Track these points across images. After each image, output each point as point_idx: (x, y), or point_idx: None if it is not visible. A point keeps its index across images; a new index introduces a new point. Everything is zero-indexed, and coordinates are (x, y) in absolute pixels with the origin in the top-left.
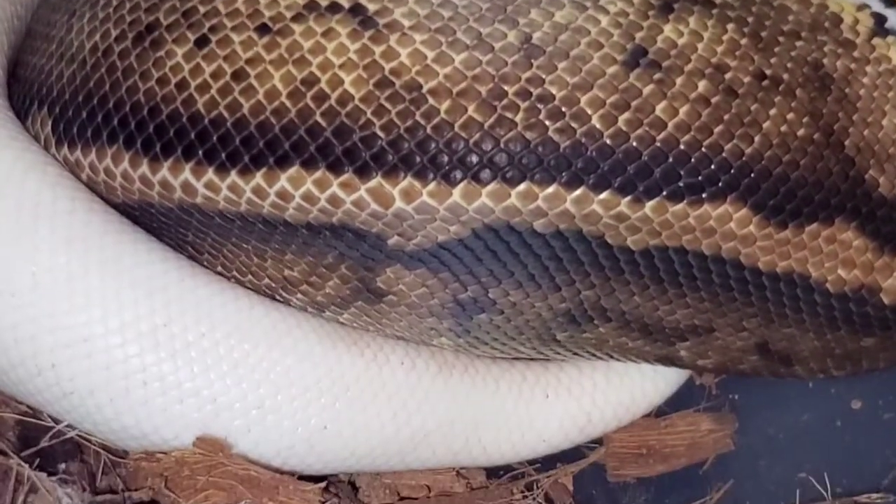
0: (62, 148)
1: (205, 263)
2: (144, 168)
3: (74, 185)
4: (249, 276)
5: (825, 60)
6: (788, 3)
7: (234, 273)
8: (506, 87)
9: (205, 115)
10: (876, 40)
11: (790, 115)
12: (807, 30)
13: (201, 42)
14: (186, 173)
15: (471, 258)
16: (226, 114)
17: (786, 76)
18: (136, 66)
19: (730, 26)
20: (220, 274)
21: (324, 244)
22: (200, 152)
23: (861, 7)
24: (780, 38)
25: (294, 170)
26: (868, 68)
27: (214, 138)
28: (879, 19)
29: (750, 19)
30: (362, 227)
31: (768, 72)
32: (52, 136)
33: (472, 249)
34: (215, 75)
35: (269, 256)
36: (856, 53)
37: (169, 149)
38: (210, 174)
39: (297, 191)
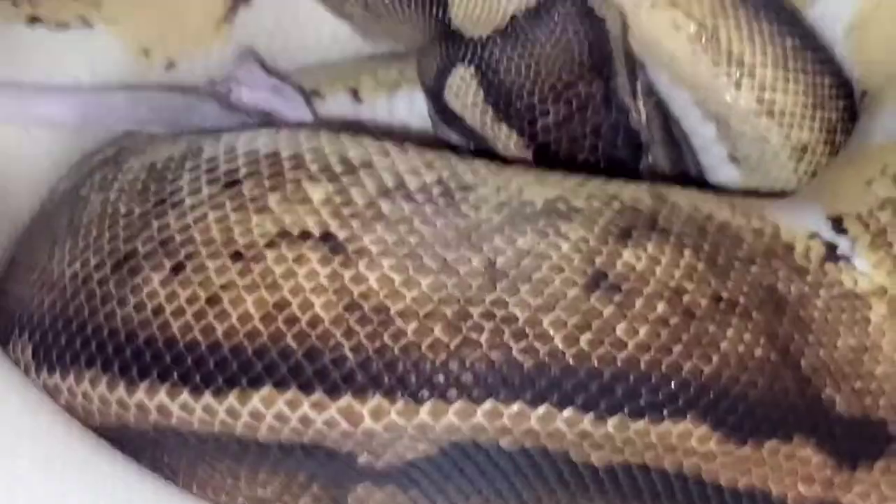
0: (41, 373)
1: (180, 484)
2: (121, 391)
3: (54, 409)
4: (224, 497)
5: (779, 285)
6: (742, 234)
7: (209, 493)
8: (471, 310)
9: (180, 338)
10: (828, 265)
11: (747, 336)
12: (761, 256)
13: (177, 268)
14: (162, 395)
15: (439, 475)
16: (200, 337)
17: (742, 299)
18: (115, 293)
19: (686, 252)
20: (194, 495)
21: (295, 463)
22: (175, 374)
23: (812, 235)
24: (736, 264)
25: (266, 390)
26: (822, 291)
27: (189, 361)
28: (830, 247)
29: (706, 246)
30: (333, 446)
31: (725, 295)
32: (32, 362)
33: (440, 467)
34: (190, 300)
35: (243, 476)
36: (809, 278)
37: (145, 372)
38: (185, 395)
39: (269, 410)
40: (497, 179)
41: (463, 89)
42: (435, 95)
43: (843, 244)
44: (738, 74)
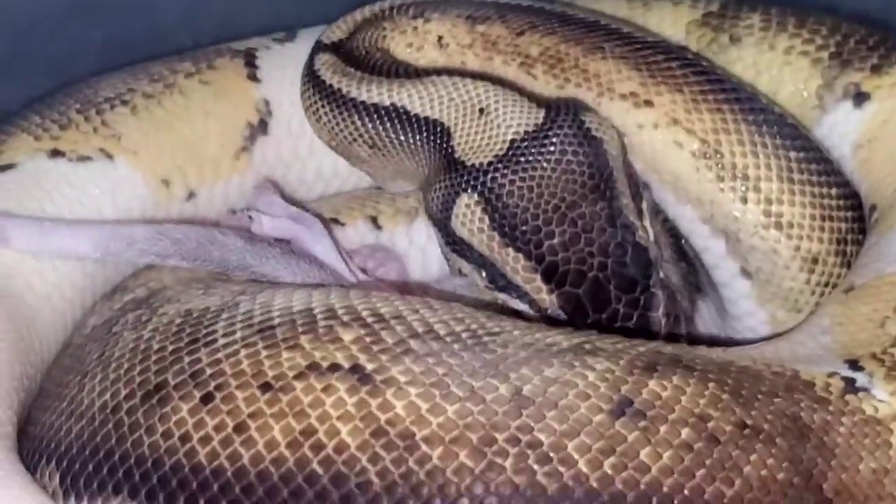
0: (69, 500)
1: None
2: None
3: None
4: None
5: (803, 414)
6: (763, 374)
7: None
8: (496, 435)
9: (206, 465)
10: (848, 396)
11: (770, 461)
12: (783, 390)
13: (206, 398)
14: None
15: None
16: (226, 464)
17: (766, 426)
18: (143, 421)
19: (711, 385)
20: None
21: None
22: (202, 501)
23: (831, 374)
24: (760, 396)
25: None
26: (844, 419)
27: (216, 487)
28: (849, 381)
29: (729, 381)
30: None
31: (749, 422)
32: (60, 489)
33: None
34: (217, 428)
35: None
36: (831, 408)
37: (172, 498)
38: None
39: None
40: (523, 332)
41: (469, 217)
42: (443, 225)
43: (860, 378)
44: (743, 188)
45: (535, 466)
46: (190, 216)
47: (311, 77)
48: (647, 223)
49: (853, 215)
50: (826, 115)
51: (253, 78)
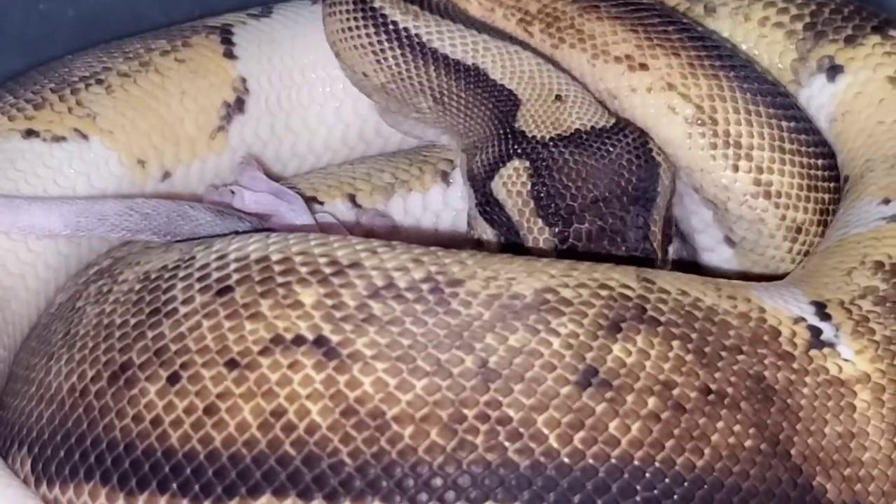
0: (41, 486)
1: None
2: (121, 502)
3: None
4: None
5: (766, 373)
6: (729, 319)
7: None
8: (466, 412)
9: (178, 448)
10: (813, 352)
11: (737, 427)
12: (747, 344)
13: (173, 378)
14: None
15: None
16: (199, 447)
17: (730, 390)
18: (112, 405)
19: (675, 343)
20: None
21: None
22: (174, 485)
23: (797, 320)
24: (723, 353)
25: (265, 498)
26: (808, 379)
27: (188, 471)
28: (815, 332)
29: (694, 336)
30: None
31: (713, 386)
32: (32, 475)
33: None
34: (188, 410)
35: None
36: (795, 365)
37: (144, 483)
38: None
39: None
40: (485, 272)
41: (513, 179)
42: (481, 185)
43: (827, 330)
44: (735, 157)
45: (507, 443)
46: (165, 195)
47: (372, 15)
48: (666, 263)
49: (835, 186)
50: (802, 89)
51: (229, 55)
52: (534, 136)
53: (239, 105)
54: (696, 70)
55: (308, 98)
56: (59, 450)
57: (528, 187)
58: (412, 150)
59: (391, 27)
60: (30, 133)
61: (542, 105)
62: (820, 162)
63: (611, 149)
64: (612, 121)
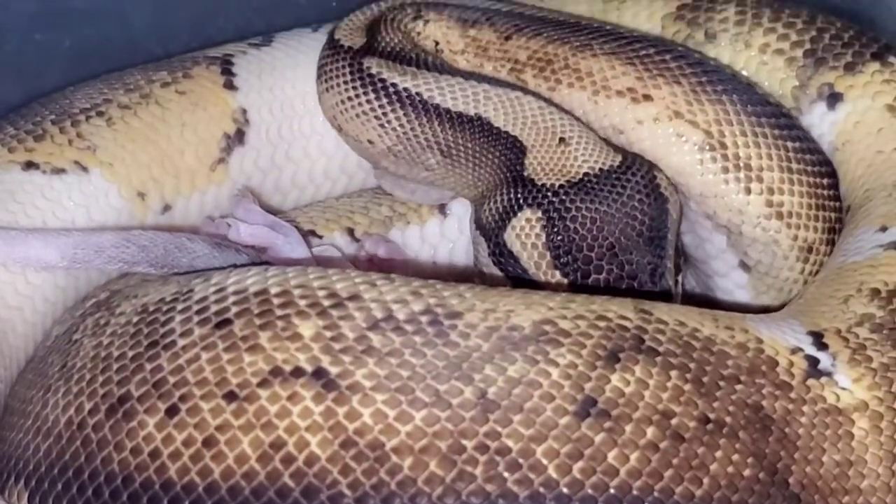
0: None
1: None
2: None
3: None
4: None
5: (764, 402)
6: (727, 349)
7: None
8: (465, 442)
9: (177, 481)
10: (810, 381)
11: (735, 457)
12: (745, 374)
13: (171, 411)
14: None
15: None
16: (197, 479)
17: (728, 419)
18: (110, 438)
19: (673, 373)
20: None
21: None
22: None
23: (795, 350)
24: (721, 383)
25: None
26: (805, 408)
27: (187, 503)
28: (812, 361)
29: (692, 366)
30: None
31: (712, 416)
32: None
33: None
34: (186, 443)
35: None
36: (792, 395)
37: None
38: None
39: None
40: (484, 304)
41: (527, 230)
42: (493, 235)
43: (824, 359)
44: (746, 179)
45: (506, 474)
46: (165, 227)
47: (371, 80)
48: (678, 294)
49: (839, 205)
50: (803, 117)
51: (230, 86)
52: (543, 185)
53: (239, 136)
54: (700, 96)
55: (309, 128)
56: (56, 483)
57: (543, 239)
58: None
59: (391, 89)
60: (29, 165)
61: (547, 150)
62: (825, 181)
63: (621, 190)
64: (619, 159)
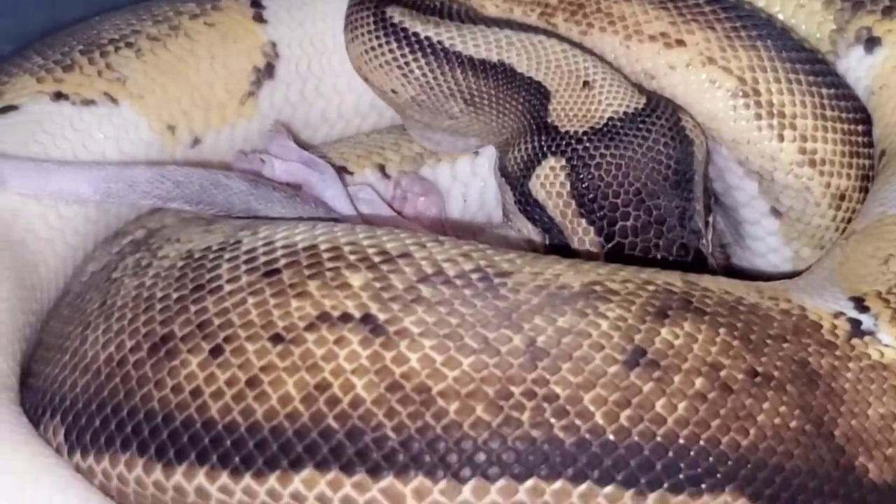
0: (74, 455)
1: None
2: (158, 473)
3: (86, 488)
4: None
5: (811, 359)
6: (772, 314)
7: None
8: (512, 388)
9: (219, 420)
10: (854, 341)
11: (782, 409)
12: (791, 333)
13: (216, 351)
14: (200, 478)
15: None
16: (240, 419)
17: (776, 373)
18: (151, 375)
19: (721, 330)
20: None
21: None
22: (214, 457)
23: (837, 315)
24: (768, 341)
25: (308, 472)
26: (851, 364)
27: (228, 443)
28: (855, 323)
29: (739, 325)
30: None
31: (759, 369)
32: (65, 444)
33: None
34: (230, 382)
35: None
36: (838, 353)
37: (183, 454)
38: (224, 478)
39: (310, 492)
40: (533, 268)
41: (551, 179)
42: (519, 184)
43: (866, 321)
44: (780, 126)
45: (552, 420)
46: (195, 162)
47: (394, 30)
48: (710, 235)
49: (873, 152)
50: (839, 60)
51: (259, 19)
52: (567, 132)
53: (269, 70)
54: (734, 42)
55: (339, 63)
56: (94, 419)
57: (568, 187)
58: None
59: (413, 39)
60: (59, 96)
61: (571, 94)
62: (860, 128)
63: (646, 135)
64: (643, 101)
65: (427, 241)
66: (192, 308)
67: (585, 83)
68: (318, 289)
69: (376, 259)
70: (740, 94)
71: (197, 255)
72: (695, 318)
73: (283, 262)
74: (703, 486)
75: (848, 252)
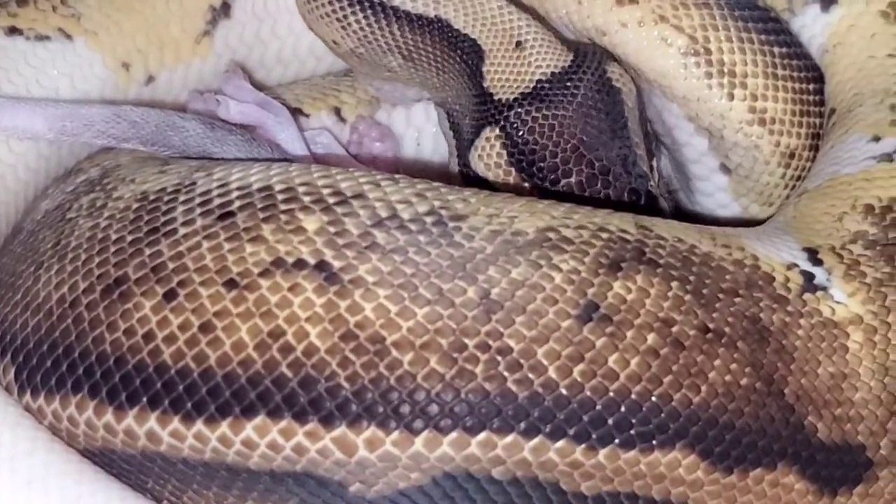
0: (24, 395)
1: None
2: (109, 416)
3: (35, 427)
4: None
5: (762, 315)
6: (725, 265)
7: None
8: (466, 340)
9: (171, 365)
10: (806, 295)
11: (733, 366)
12: (743, 287)
13: (170, 295)
14: (152, 422)
15: None
16: (193, 364)
17: (727, 330)
18: (104, 318)
19: (674, 284)
20: None
21: (286, 491)
22: (166, 401)
23: (790, 266)
24: (720, 296)
25: (260, 419)
26: (802, 321)
27: (181, 388)
28: (808, 276)
29: (692, 278)
30: (325, 475)
31: (711, 325)
32: (15, 384)
33: (430, 496)
34: (183, 327)
35: (230, 502)
36: (789, 308)
37: (134, 398)
38: (176, 423)
39: (262, 439)
40: (488, 209)
41: (487, 150)
42: (462, 157)
43: (819, 274)
44: (730, 85)
45: (506, 373)
46: (148, 100)
47: None
48: (657, 174)
49: (823, 110)
50: (794, 18)
51: None
52: (499, 100)
53: (225, 9)
54: (686, 0)
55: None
56: (45, 359)
57: (505, 156)
58: None
59: None
60: (13, 31)
61: (504, 55)
62: (811, 87)
63: (575, 92)
64: (570, 58)
65: (382, 180)
66: (147, 251)
67: (518, 43)
68: (273, 233)
69: (331, 200)
70: (691, 52)
71: (152, 197)
72: (648, 271)
73: (237, 204)
74: (654, 442)
75: (801, 208)
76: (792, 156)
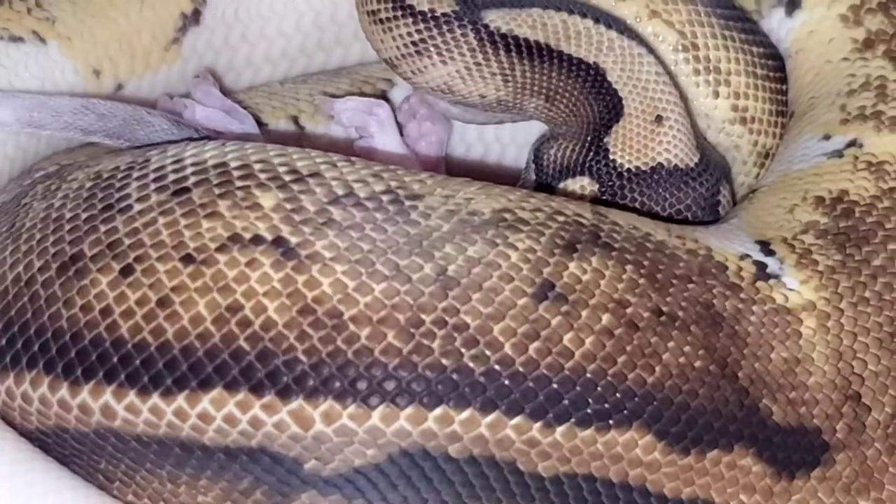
0: None
1: (115, 493)
2: (64, 391)
3: None
4: None
5: (715, 301)
6: (679, 253)
7: (146, 501)
8: (423, 316)
9: (129, 339)
10: (759, 283)
11: (687, 348)
12: (697, 274)
13: (126, 271)
14: (107, 395)
15: (385, 484)
16: (150, 338)
17: (681, 313)
18: (60, 295)
19: (628, 267)
20: (130, 503)
21: (240, 468)
22: (123, 375)
23: (743, 257)
24: (674, 281)
25: (216, 392)
26: (755, 308)
27: (137, 362)
28: (760, 266)
29: (646, 263)
30: (281, 451)
31: (665, 308)
32: None
33: (387, 475)
34: (140, 302)
35: (184, 482)
36: (742, 295)
37: (90, 372)
38: (131, 396)
39: (218, 412)
40: (444, 190)
41: (576, 195)
42: (545, 177)
43: (772, 264)
44: (716, 82)
45: (462, 349)
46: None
47: (502, 42)
48: None
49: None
50: (763, 21)
51: None
52: (614, 160)
53: (195, 16)
54: None
55: (269, 9)
56: (0, 338)
57: None
58: (352, 68)
59: (521, 45)
60: None
61: (640, 124)
62: (784, 87)
63: (681, 198)
64: (696, 159)
65: (338, 161)
66: (102, 228)
67: (658, 118)
68: (229, 209)
69: (287, 178)
70: (681, 48)
71: (106, 176)
72: (603, 254)
73: (192, 180)
74: (611, 421)
75: (755, 204)
76: (767, 156)
